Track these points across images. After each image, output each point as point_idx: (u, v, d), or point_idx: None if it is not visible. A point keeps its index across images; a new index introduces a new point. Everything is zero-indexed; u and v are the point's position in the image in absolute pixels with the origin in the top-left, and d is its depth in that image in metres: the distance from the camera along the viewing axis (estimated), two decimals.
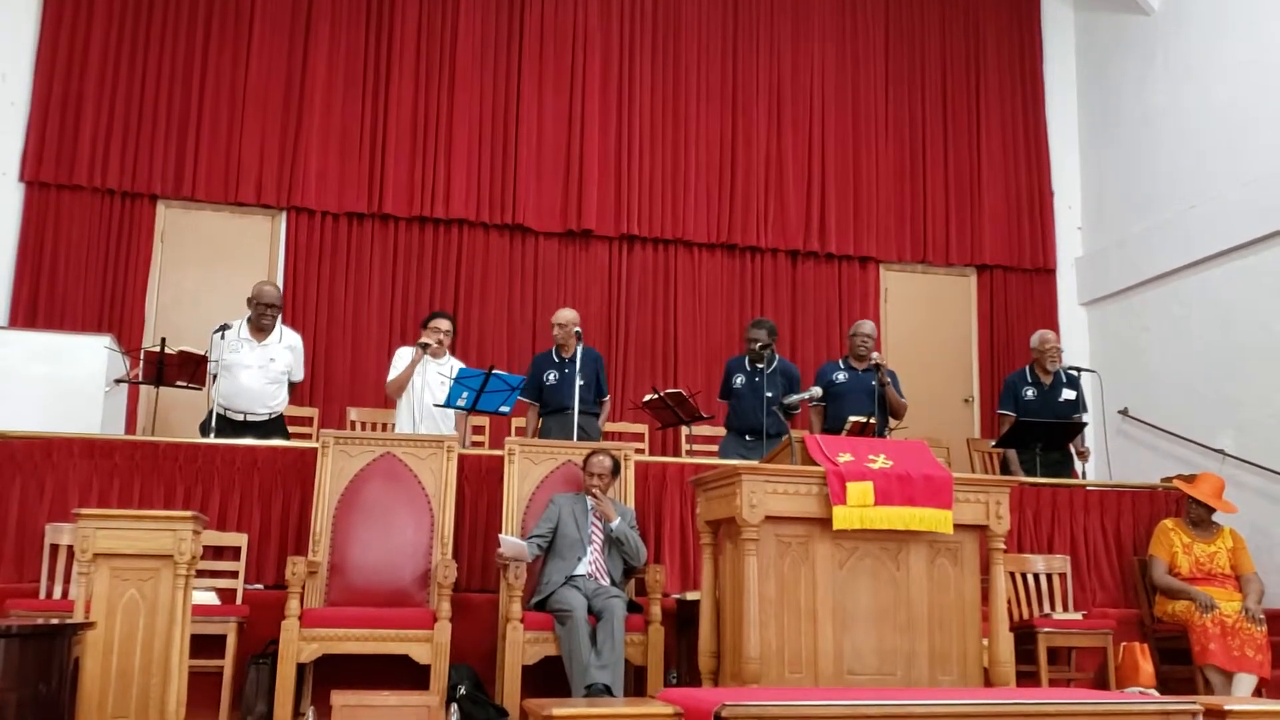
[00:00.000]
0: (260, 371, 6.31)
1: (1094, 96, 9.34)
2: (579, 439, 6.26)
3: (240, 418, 6.22)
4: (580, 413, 6.45)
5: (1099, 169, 9.22)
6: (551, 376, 6.81)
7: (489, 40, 8.60)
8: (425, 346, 6.33)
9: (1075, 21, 9.62)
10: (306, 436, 6.88)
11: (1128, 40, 8.90)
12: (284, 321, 7.99)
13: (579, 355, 6.56)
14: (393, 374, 6.44)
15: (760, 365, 6.84)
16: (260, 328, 6.36)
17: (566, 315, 6.87)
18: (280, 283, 8.10)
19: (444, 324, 6.51)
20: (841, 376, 7.02)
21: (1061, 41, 9.62)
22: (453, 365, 6.42)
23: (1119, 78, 8.99)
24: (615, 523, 5.21)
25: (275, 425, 6.43)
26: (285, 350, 6.47)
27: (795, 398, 5.35)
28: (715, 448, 7.17)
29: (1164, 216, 8.30)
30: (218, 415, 6.24)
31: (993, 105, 9.37)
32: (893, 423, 7.12)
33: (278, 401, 6.45)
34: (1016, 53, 9.51)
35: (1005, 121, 9.37)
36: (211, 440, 5.79)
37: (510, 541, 5.10)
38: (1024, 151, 9.36)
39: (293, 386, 6.68)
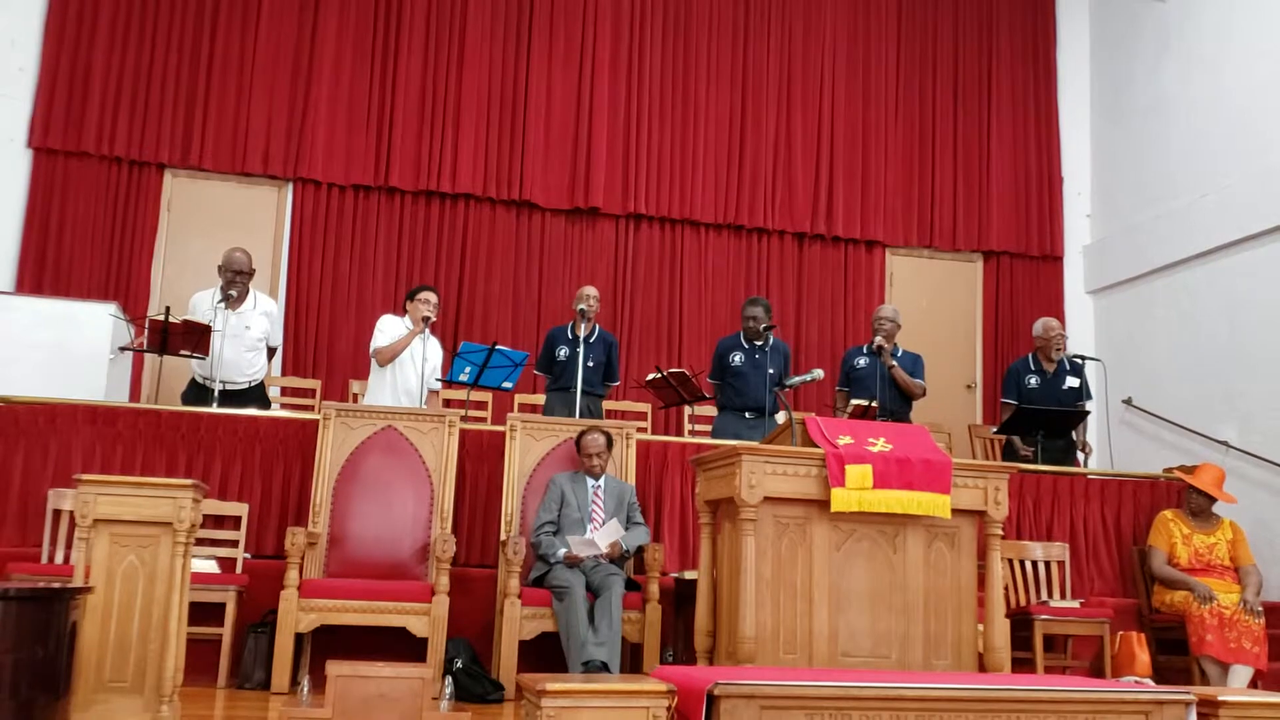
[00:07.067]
0: (236, 340, 6.22)
1: (1106, 83, 9.27)
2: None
3: (219, 386, 6.09)
4: (585, 393, 6.42)
5: (1109, 156, 9.16)
6: (563, 352, 6.82)
7: (499, 15, 8.56)
8: (427, 320, 6.29)
9: (1090, 7, 9.55)
10: (309, 408, 6.89)
11: (1141, 27, 8.84)
12: (288, 293, 8.03)
13: (596, 335, 6.55)
14: (386, 340, 6.32)
15: (759, 343, 6.82)
16: (231, 295, 6.23)
17: (595, 291, 6.90)
18: (285, 253, 8.11)
19: (434, 296, 6.46)
20: (862, 362, 7.00)
21: (1075, 27, 9.55)
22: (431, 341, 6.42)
23: (1131, 64, 8.93)
24: (623, 547, 5.20)
25: (255, 393, 6.38)
26: (261, 317, 6.40)
27: (797, 379, 5.32)
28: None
29: (1173, 205, 8.26)
30: (196, 385, 6.24)
31: (1004, 90, 9.30)
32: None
33: (256, 369, 6.39)
34: (1030, 37, 9.44)
35: (1016, 106, 9.31)
36: (214, 410, 5.79)
37: (580, 542, 5.11)
38: (1034, 137, 9.31)
39: (271, 352, 6.65)
